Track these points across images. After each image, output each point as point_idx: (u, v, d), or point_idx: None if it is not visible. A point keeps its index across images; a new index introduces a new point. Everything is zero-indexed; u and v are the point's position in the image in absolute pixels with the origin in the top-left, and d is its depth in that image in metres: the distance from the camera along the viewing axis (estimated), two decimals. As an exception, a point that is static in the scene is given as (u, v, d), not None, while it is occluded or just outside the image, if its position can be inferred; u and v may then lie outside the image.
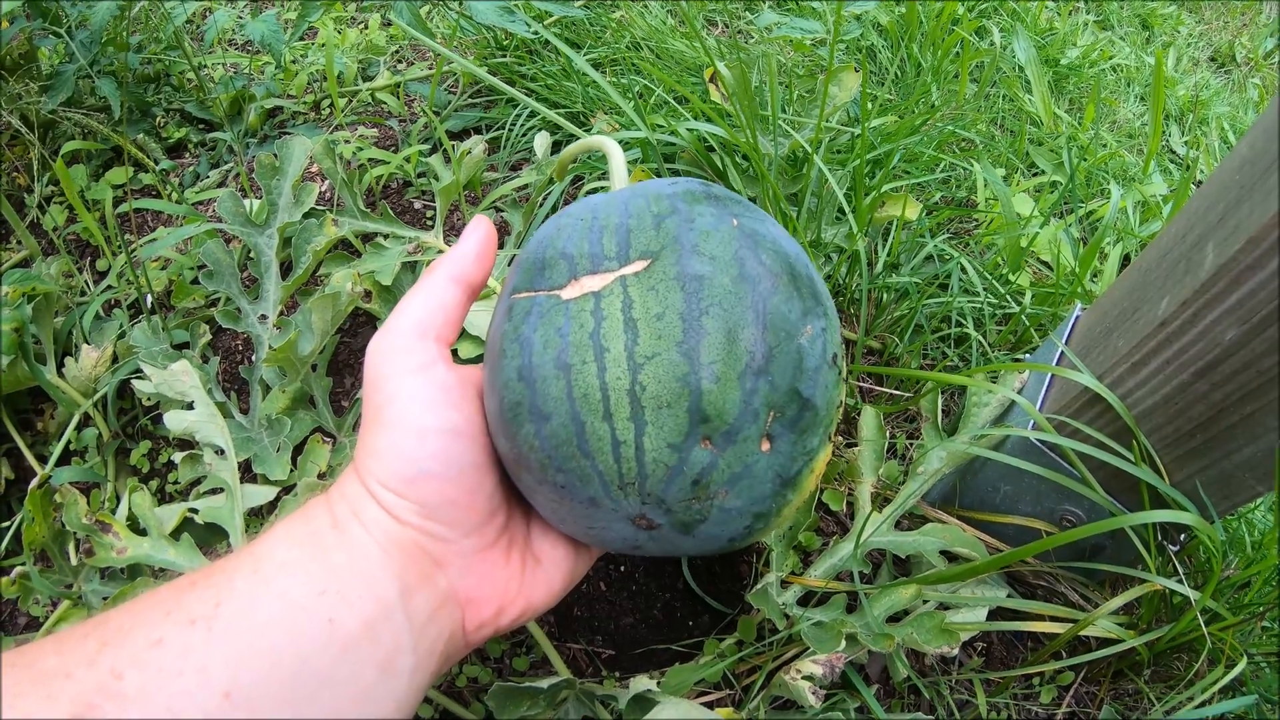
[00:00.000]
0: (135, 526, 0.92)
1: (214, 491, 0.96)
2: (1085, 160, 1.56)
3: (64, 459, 1.12)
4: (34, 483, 1.06)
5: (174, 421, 0.94)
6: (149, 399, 1.01)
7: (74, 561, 0.91)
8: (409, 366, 0.54)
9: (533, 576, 0.58)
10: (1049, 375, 0.86)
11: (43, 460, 1.14)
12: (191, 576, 0.49)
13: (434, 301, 0.57)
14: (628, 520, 0.53)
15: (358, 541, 0.50)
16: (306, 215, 1.09)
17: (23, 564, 0.92)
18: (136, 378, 1.02)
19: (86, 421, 1.15)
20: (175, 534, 0.91)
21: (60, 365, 1.16)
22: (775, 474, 0.53)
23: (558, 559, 0.60)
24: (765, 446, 0.52)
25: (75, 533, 0.88)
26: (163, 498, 1.09)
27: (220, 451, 0.95)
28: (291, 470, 0.98)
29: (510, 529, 0.59)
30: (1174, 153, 1.80)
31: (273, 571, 0.48)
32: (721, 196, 0.59)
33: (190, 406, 0.97)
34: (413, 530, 0.52)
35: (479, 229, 0.62)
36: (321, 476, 0.92)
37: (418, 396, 0.53)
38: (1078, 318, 0.90)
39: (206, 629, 0.44)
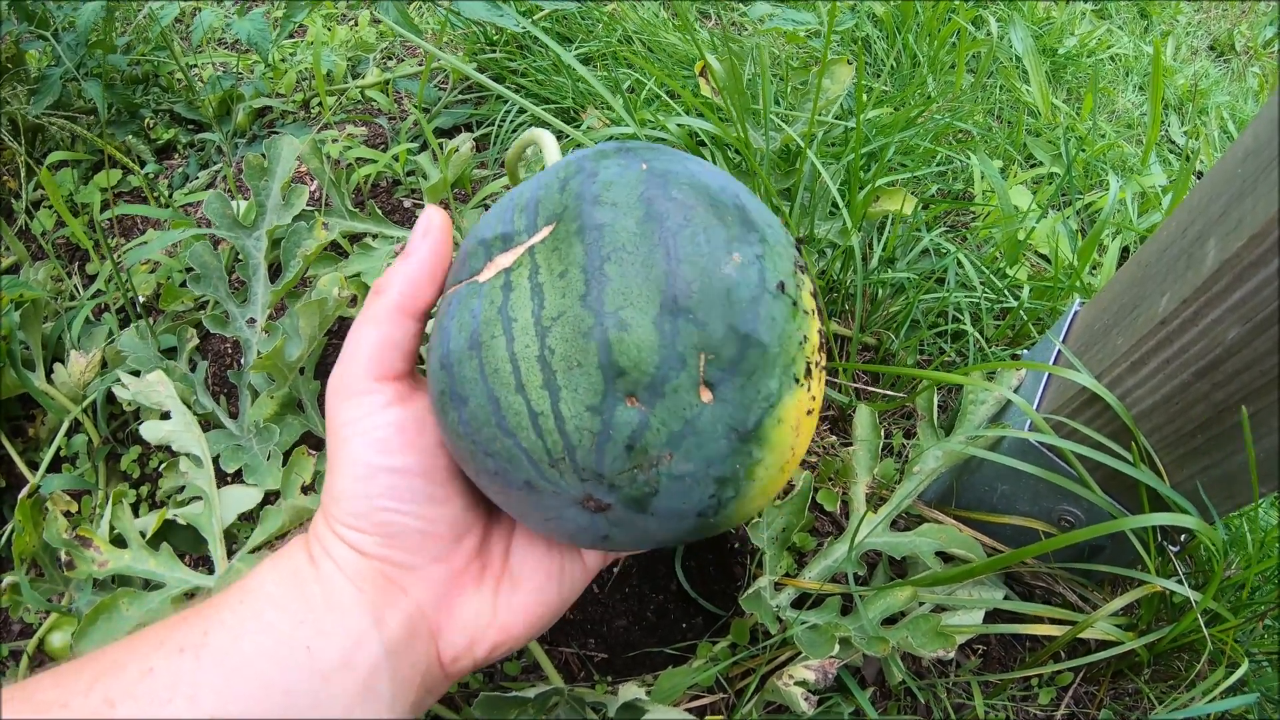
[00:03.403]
0: (119, 538, 0.92)
1: (195, 498, 0.95)
2: (1083, 151, 1.55)
3: (55, 465, 1.12)
4: (23, 493, 1.05)
5: (150, 431, 0.94)
6: (129, 405, 1.01)
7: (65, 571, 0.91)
8: (360, 411, 0.54)
9: (509, 601, 0.56)
10: (1047, 373, 0.85)
11: (33, 467, 1.13)
12: (185, 612, 0.50)
13: (383, 338, 0.55)
14: (577, 504, 0.49)
15: (329, 577, 0.51)
16: (296, 217, 1.07)
17: (13, 574, 0.92)
18: (119, 385, 1.01)
19: (77, 427, 1.14)
20: (156, 542, 0.90)
21: (50, 371, 1.15)
22: (727, 427, 0.47)
23: (539, 582, 0.57)
24: (706, 396, 0.46)
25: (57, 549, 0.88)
26: (154, 503, 1.08)
27: (198, 460, 0.94)
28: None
29: (485, 553, 0.58)
30: (1173, 143, 1.78)
31: (258, 604, 0.50)
32: (636, 148, 0.55)
33: (167, 415, 0.96)
34: (377, 561, 0.52)
35: (428, 236, 0.56)
36: (306, 490, 0.91)
37: (368, 439, 0.53)
38: (1076, 313, 0.89)
39: (195, 658, 0.46)
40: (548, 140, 0.64)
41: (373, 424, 0.53)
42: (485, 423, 0.48)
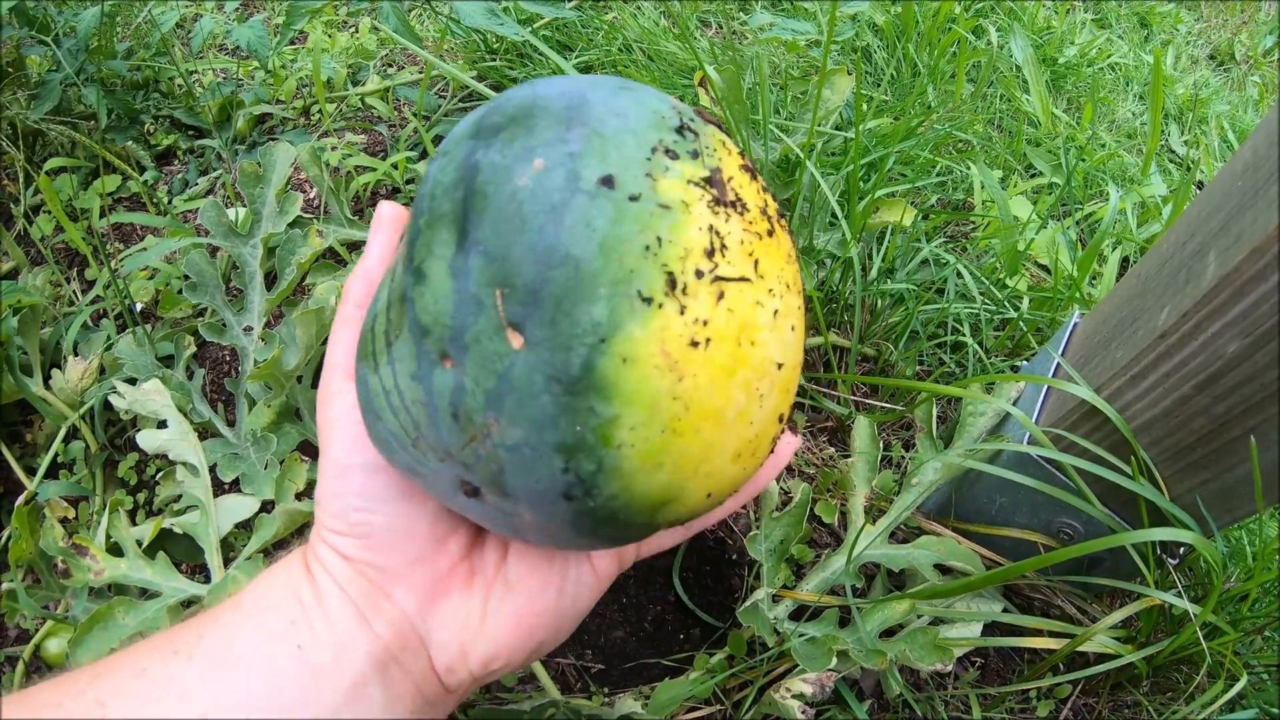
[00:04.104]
0: (115, 546, 0.92)
1: (192, 507, 0.95)
2: (1083, 161, 1.55)
3: (52, 472, 1.11)
4: (20, 499, 1.05)
5: (147, 440, 0.94)
6: (126, 413, 1.00)
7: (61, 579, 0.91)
8: (338, 411, 0.53)
9: (499, 607, 0.53)
10: (1046, 386, 0.85)
11: (31, 472, 1.13)
12: (185, 621, 0.51)
13: (353, 338, 0.55)
14: (458, 490, 0.45)
15: (321, 582, 0.51)
16: (292, 224, 1.07)
17: (10, 580, 0.92)
18: (114, 393, 1.01)
19: (74, 433, 1.13)
20: (152, 551, 0.90)
21: (47, 377, 1.15)
22: (546, 377, 0.38)
23: (534, 588, 0.54)
24: (516, 342, 0.38)
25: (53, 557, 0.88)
26: (150, 511, 1.08)
27: (194, 469, 0.94)
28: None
29: (476, 556, 0.56)
30: (1173, 152, 1.79)
31: (253, 609, 0.50)
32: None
33: (164, 424, 0.96)
34: (360, 564, 0.51)
35: (379, 231, 0.55)
36: (300, 496, 0.91)
37: (342, 437, 0.52)
38: (1076, 325, 0.89)
39: (188, 658, 0.46)
40: None
41: (346, 422, 0.52)
42: (366, 408, 0.46)
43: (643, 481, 0.41)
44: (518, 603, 0.53)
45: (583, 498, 0.41)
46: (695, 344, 0.39)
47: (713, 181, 0.41)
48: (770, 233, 0.44)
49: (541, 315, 0.38)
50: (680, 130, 0.42)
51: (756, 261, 0.42)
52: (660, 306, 0.38)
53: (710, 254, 0.40)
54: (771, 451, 0.48)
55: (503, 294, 0.38)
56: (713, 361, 0.40)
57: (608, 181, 0.38)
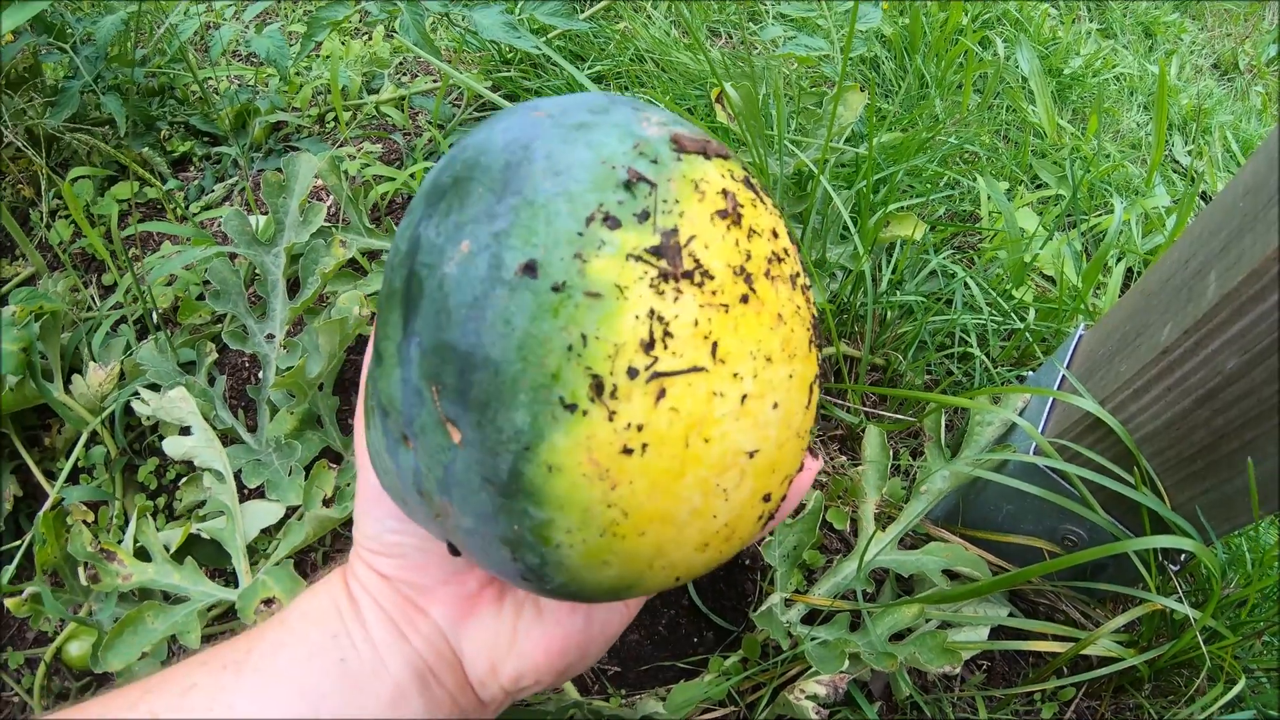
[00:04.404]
0: (141, 551, 0.93)
1: (218, 513, 0.97)
2: (1088, 172, 1.56)
3: (71, 476, 1.13)
4: (46, 505, 1.07)
5: (173, 447, 0.96)
6: (147, 419, 1.02)
7: (84, 582, 0.92)
8: None
9: (529, 630, 0.53)
10: (1052, 397, 0.87)
11: (49, 476, 1.14)
12: (235, 637, 0.53)
13: None
14: (449, 549, 0.46)
15: (359, 598, 0.53)
16: (314, 234, 1.09)
17: (34, 584, 0.93)
18: (136, 399, 1.03)
19: (94, 438, 1.15)
20: (180, 556, 0.92)
21: (67, 382, 1.17)
22: (481, 477, 0.37)
23: (564, 614, 0.54)
24: (456, 436, 0.37)
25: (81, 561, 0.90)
26: (170, 514, 1.10)
27: (220, 475, 0.96)
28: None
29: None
30: (1177, 162, 1.80)
31: (296, 623, 0.52)
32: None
33: (187, 430, 0.98)
34: (396, 582, 0.53)
35: None
36: (328, 503, 0.93)
37: None
38: (1080, 337, 0.91)
39: (236, 672, 0.48)
40: None
41: None
42: (373, 460, 0.45)
43: (592, 575, 0.39)
44: (546, 627, 0.53)
45: (537, 582, 0.40)
46: (629, 451, 0.35)
47: (663, 250, 0.36)
48: (746, 298, 0.38)
49: (469, 417, 0.36)
50: (629, 186, 0.36)
51: (715, 344, 0.37)
52: (585, 414, 0.35)
53: (649, 346, 0.35)
54: (800, 469, 0.45)
55: (437, 390, 0.37)
56: (652, 467, 0.36)
57: (530, 269, 0.35)
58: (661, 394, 0.35)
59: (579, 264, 0.35)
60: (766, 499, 0.41)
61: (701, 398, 0.36)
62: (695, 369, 0.36)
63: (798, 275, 0.43)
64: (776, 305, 0.40)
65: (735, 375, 0.37)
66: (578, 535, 0.37)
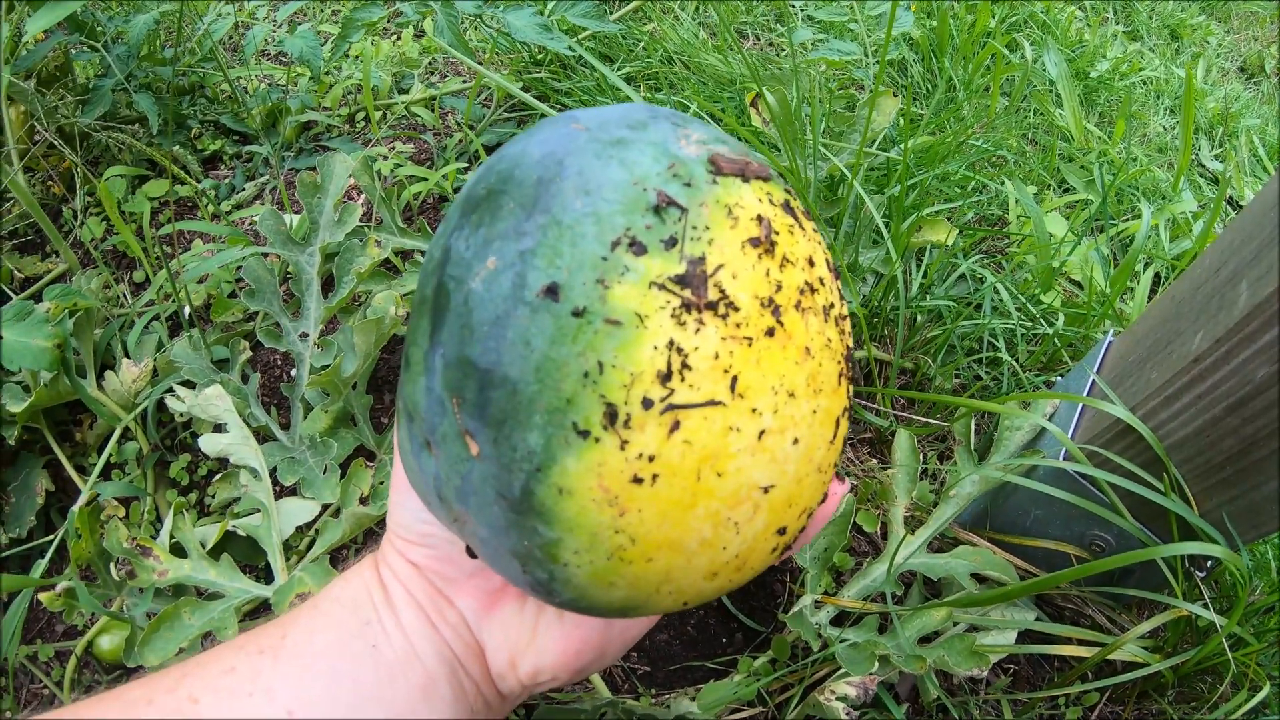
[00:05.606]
0: (176, 546, 0.95)
1: (252, 510, 0.98)
2: (1115, 176, 1.56)
3: (103, 472, 1.15)
4: (81, 500, 1.08)
5: (209, 444, 0.97)
6: (181, 416, 1.03)
7: (116, 577, 0.94)
8: None
9: (549, 627, 0.54)
10: (1081, 403, 0.87)
11: (81, 471, 1.16)
12: (268, 622, 0.54)
13: None
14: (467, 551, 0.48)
15: (390, 586, 0.54)
16: (349, 234, 1.10)
17: (68, 578, 0.95)
18: (171, 395, 1.04)
19: (126, 435, 1.16)
20: (215, 552, 0.93)
21: (100, 378, 1.18)
22: (494, 492, 0.37)
23: (581, 615, 0.54)
24: (474, 449, 0.37)
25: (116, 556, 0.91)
26: (202, 510, 1.11)
27: (256, 473, 0.97)
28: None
29: None
30: (1204, 167, 1.80)
31: (331, 609, 0.53)
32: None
33: (221, 427, 0.99)
34: (427, 571, 0.55)
35: None
36: (364, 501, 0.94)
37: None
38: (1110, 343, 0.91)
39: (273, 656, 0.49)
40: None
41: None
42: (404, 453, 0.46)
43: (599, 594, 0.40)
44: (566, 626, 0.54)
45: (547, 595, 0.41)
46: (639, 480, 0.36)
47: (687, 279, 0.36)
48: (772, 331, 0.38)
49: (487, 433, 0.36)
50: (658, 210, 0.36)
51: (735, 378, 0.36)
52: (597, 441, 0.35)
53: (665, 378, 0.35)
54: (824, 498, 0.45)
55: (458, 402, 0.37)
56: (661, 497, 0.36)
57: (552, 291, 0.35)
58: (675, 426, 0.36)
59: (601, 289, 0.35)
60: (781, 532, 0.41)
61: (716, 432, 0.36)
62: (712, 403, 0.36)
63: (832, 306, 0.42)
64: (805, 338, 0.39)
65: (754, 410, 0.37)
66: (585, 557, 0.38)
